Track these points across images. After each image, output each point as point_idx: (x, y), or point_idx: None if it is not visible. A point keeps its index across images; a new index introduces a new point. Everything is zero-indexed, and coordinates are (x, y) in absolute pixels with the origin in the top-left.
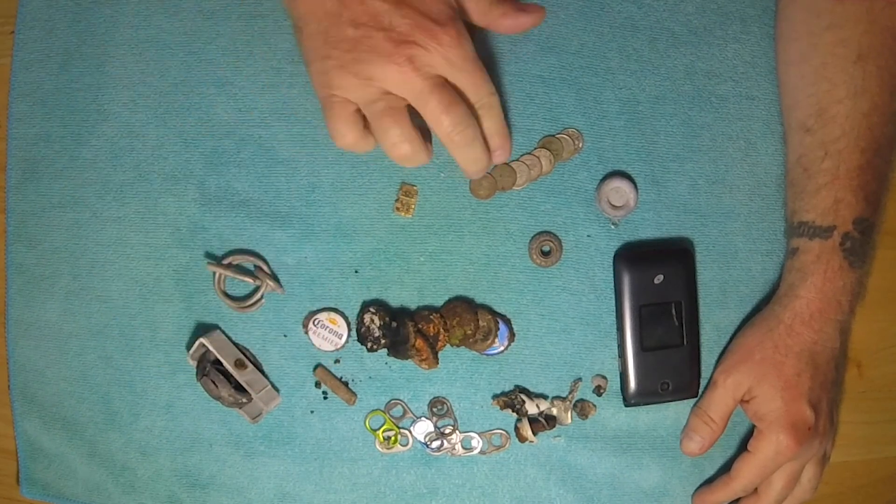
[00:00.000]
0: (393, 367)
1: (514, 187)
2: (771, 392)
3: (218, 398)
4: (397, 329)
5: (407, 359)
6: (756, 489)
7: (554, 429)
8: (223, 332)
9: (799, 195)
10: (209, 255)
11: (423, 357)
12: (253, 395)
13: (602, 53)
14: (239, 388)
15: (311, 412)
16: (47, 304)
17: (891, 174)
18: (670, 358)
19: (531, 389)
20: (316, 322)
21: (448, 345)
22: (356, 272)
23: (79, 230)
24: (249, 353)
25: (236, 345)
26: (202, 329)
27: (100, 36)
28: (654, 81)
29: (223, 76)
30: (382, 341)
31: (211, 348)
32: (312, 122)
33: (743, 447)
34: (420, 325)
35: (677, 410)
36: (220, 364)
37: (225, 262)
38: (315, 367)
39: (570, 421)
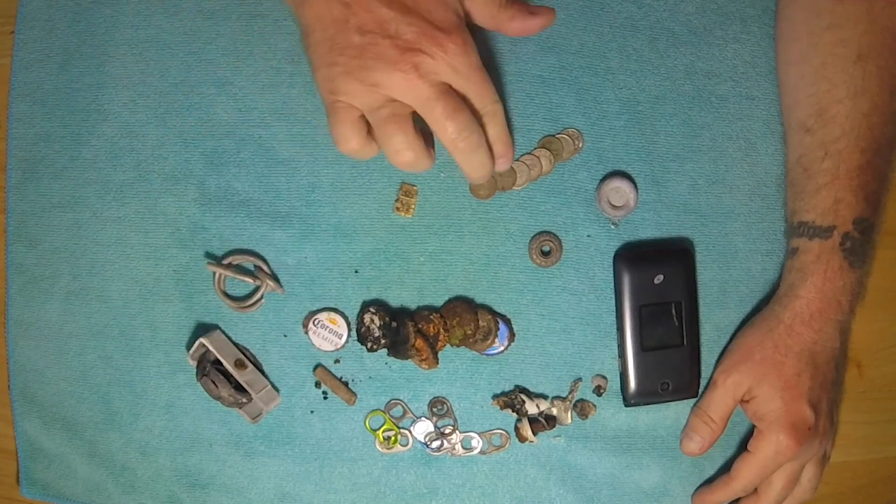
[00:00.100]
0: (393, 367)
1: (514, 187)
2: (771, 392)
3: (218, 398)
4: (397, 329)
5: (407, 359)
6: (756, 489)
7: (554, 429)
8: (223, 332)
9: (799, 195)
10: (209, 255)
11: (423, 357)
12: (253, 395)
13: (602, 53)
14: (239, 388)
15: (311, 412)
16: (47, 304)
17: (891, 174)
18: (670, 358)
19: (531, 389)
20: (316, 322)
21: (448, 345)
22: (356, 272)
23: (79, 230)
24: (249, 353)
25: (236, 345)
26: (202, 329)
27: (100, 36)
28: (654, 81)
29: (223, 76)
30: (382, 341)
31: (211, 348)
32: (312, 122)
33: (743, 447)
34: (420, 325)
35: (677, 410)
36: (220, 364)
37: (225, 262)
38: (315, 367)
39: (570, 421)
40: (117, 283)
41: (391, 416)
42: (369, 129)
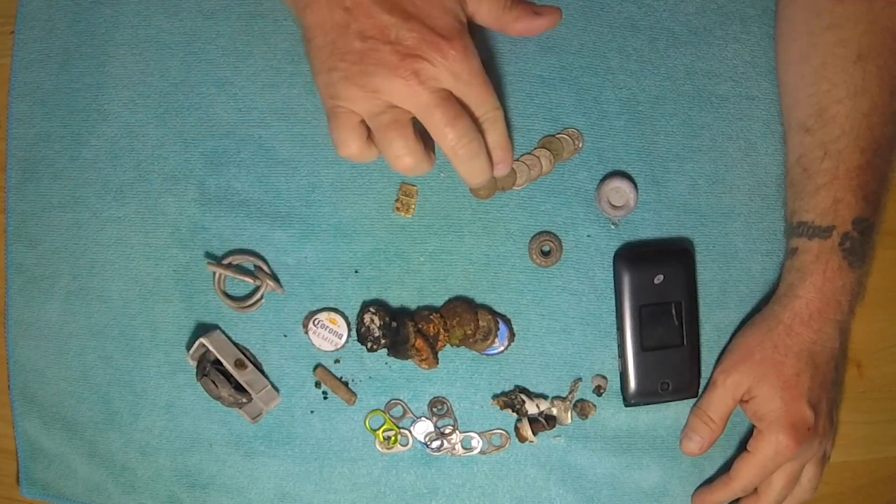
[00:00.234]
0: (393, 367)
1: (514, 187)
2: (770, 392)
3: (218, 398)
4: (397, 329)
5: (407, 359)
6: (756, 489)
7: (554, 429)
8: (223, 332)
9: (798, 195)
10: (209, 255)
11: (423, 357)
12: (253, 395)
13: (602, 53)
14: (239, 388)
15: (311, 412)
16: (47, 304)
17: (891, 174)
18: (670, 358)
19: (531, 389)
20: (316, 322)
21: (448, 345)
22: (356, 272)
23: (79, 230)
24: (249, 353)
25: (236, 345)
26: (202, 329)
27: (100, 36)
28: (654, 81)
29: (223, 76)
30: (382, 341)
31: (211, 348)
32: (312, 122)
33: (743, 447)
34: (420, 325)
35: (677, 410)
36: (220, 364)
37: (225, 262)
38: (315, 367)
39: (570, 421)
40: (117, 283)
41: (391, 416)
42: (369, 134)
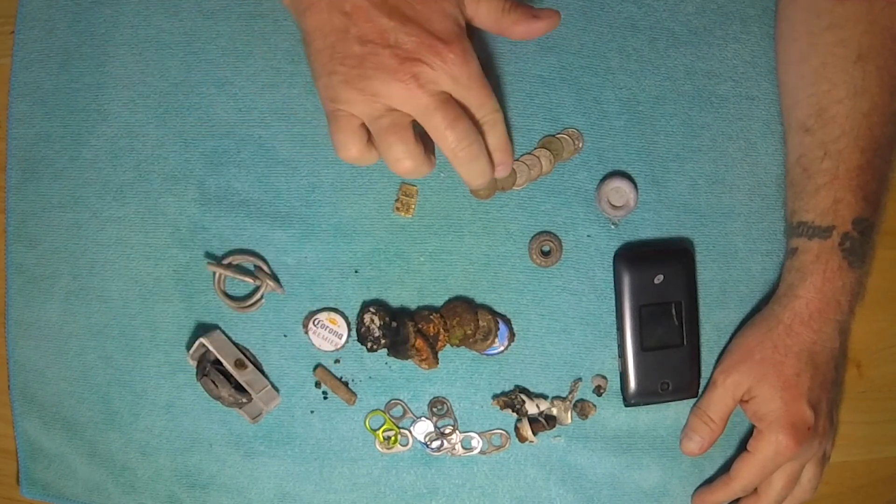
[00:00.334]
0: (393, 367)
1: (514, 187)
2: (770, 392)
3: (218, 398)
4: (397, 329)
5: (407, 359)
6: (756, 489)
7: (554, 429)
8: (223, 332)
9: (798, 195)
10: (209, 255)
11: (423, 357)
12: (253, 395)
13: (602, 53)
14: (239, 388)
15: (311, 412)
16: (47, 304)
17: (891, 174)
18: (670, 358)
19: (531, 389)
20: (316, 322)
21: (448, 345)
22: (356, 272)
23: (79, 230)
24: (249, 353)
25: (236, 345)
26: (202, 329)
27: (100, 36)
28: (654, 81)
29: (223, 76)
30: (382, 341)
31: (211, 348)
32: (312, 122)
33: (743, 447)
34: (420, 325)
35: (677, 410)
36: (220, 364)
37: (225, 262)
38: (315, 367)
39: (570, 421)
40: (117, 283)
41: (391, 416)
42: (369, 137)
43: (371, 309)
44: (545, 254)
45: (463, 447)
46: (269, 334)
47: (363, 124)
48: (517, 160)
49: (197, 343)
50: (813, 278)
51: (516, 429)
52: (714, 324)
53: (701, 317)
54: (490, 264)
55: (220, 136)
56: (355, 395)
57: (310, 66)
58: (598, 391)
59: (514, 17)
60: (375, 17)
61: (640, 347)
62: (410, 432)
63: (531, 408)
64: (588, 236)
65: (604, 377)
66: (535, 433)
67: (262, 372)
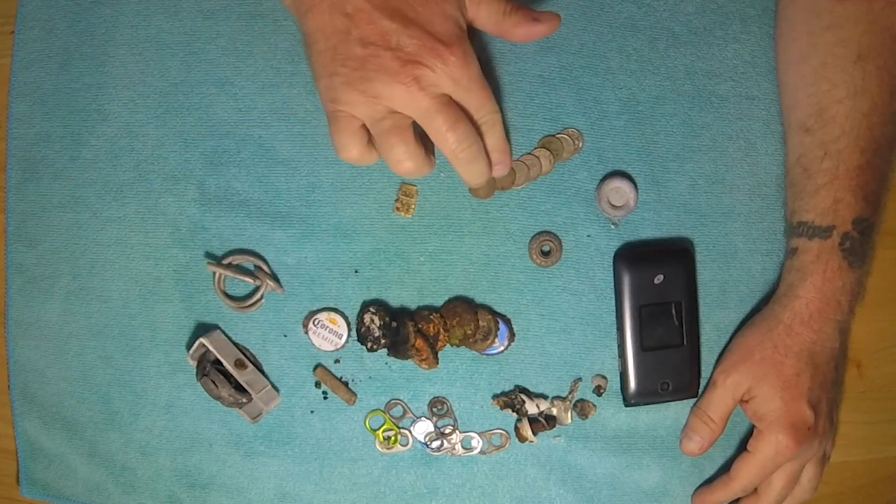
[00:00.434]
0: (393, 367)
1: (514, 187)
2: (770, 392)
3: (218, 398)
4: (397, 329)
5: (407, 359)
6: (756, 489)
7: (554, 429)
8: (223, 332)
9: (798, 195)
10: (209, 255)
11: (423, 357)
12: (253, 395)
13: (602, 53)
14: (239, 388)
15: (311, 412)
16: (47, 304)
17: (891, 174)
18: (670, 358)
19: (531, 389)
20: (316, 322)
21: (448, 345)
22: (356, 272)
23: (79, 230)
24: (249, 353)
25: (236, 345)
26: (202, 329)
27: (100, 36)
28: (654, 81)
29: (223, 76)
30: (382, 341)
31: (211, 348)
32: (312, 122)
33: (743, 447)
34: (420, 325)
35: (677, 410)
36: (220, 364)
37: (225, 262)
38: (315, 367)
39: (570, 421)
40: (117, 283)
41: (391, 416)
42: (370, 138)
43: (371, 309)
44: (545, 254)
45: (463, 447)
46: (269, 334)
47: (364, 125)
48: (517, 160)
49: (197, 343)
50: (813, 278)
51: (516, 429)
52: (714, 324)
53: (701, 317)
54: (490, 264)
55: (220, 136)
56: (355, 395)
57: (311, 68)
58: (598, 391)
59: (515, 19)
60: (377, 19)
61: (640, 347)
62: (410, 432)
63: (531, 408)
64: (588, 236)
65: (604, 377)
66: (535, 433)
67: (262, 372)
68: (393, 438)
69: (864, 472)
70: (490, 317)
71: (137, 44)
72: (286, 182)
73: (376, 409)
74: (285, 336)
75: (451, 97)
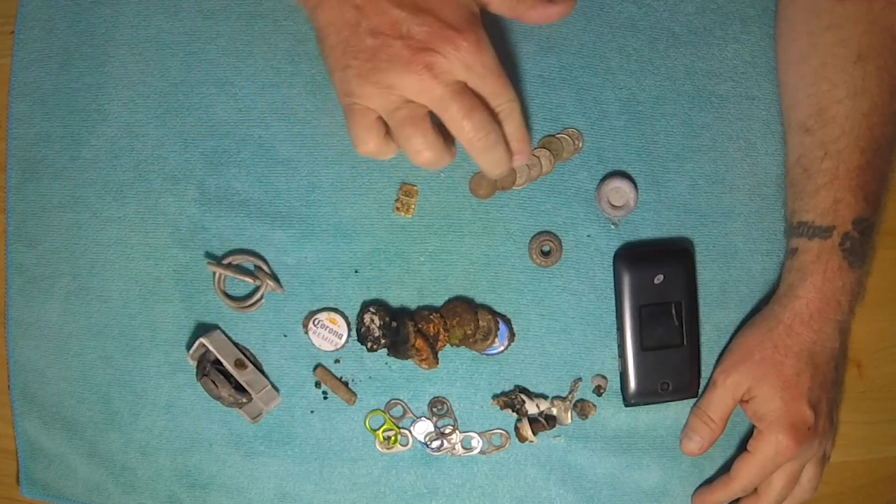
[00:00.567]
0: (393, 367)
1: (514, 187)
2: (770, 392)
3: (218, 398)
4: (397, 329)
5: (407, 359)
6: (756, 489)
7: (554, 429)
8: (223, 332)
9: (798, 195)
10: (209, 255)
11: (423, 357)
12: (253, 395)
13: (602, 53)
14: (239, 388)
15: (311, 412)
16: (47, 304)
17: (891, 174)
18: (670, 358)
19: (531, 389)
20: (316, 322)
21: (448, 345)
22: (356, 272)
23: (79, 230)
24: (249, 353)
25: (236, 345)
26: (202, 329)
27: (100, 36)
28: (654, 81)
29: (223, 76)
30: (382, 341)
31: (211, 348)
32: (312, 122)
33: (743, 447)
34: (420, 325)
35: (677, 410)
36: (220, 364)
37: (225, 262)
38: (315, 367)
39: (570, 421)
40: (117, 283)
41: (391, 416)
42: (387, 130)
43: (371, 309)
44: (545, 254)
45: (463, 447)
46: (269, 334)
47: (380, 117)
48: None
49: (197, 343)
50: (813, 278)
51: (516, 429)
52: (714, 324)
53: (701, 317)
54: (490, 264)
55: (220, 136)
56: (355, 395)
57: (324, 62)
58: (598, 391)
59: (530, 2)
60: (387, 9)
61: (640, 347)
62: (410, 432)
63: (531, 408)
64: (588, 236)
65: (604, 377)
66: (535, 433)
67: (262, 372)
68: (393, 438)
69: (864, 472)
70: (490, 317)
71: (137, 44)
72: (286, 182)
73: (376, 409)
74: (285, 336)
75: (466, 85)
